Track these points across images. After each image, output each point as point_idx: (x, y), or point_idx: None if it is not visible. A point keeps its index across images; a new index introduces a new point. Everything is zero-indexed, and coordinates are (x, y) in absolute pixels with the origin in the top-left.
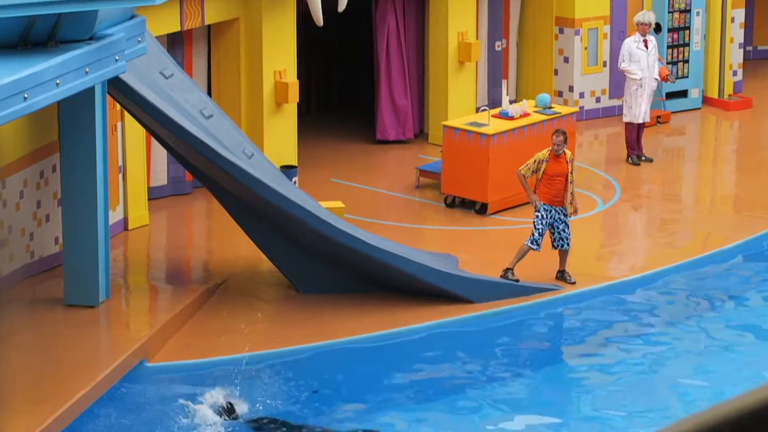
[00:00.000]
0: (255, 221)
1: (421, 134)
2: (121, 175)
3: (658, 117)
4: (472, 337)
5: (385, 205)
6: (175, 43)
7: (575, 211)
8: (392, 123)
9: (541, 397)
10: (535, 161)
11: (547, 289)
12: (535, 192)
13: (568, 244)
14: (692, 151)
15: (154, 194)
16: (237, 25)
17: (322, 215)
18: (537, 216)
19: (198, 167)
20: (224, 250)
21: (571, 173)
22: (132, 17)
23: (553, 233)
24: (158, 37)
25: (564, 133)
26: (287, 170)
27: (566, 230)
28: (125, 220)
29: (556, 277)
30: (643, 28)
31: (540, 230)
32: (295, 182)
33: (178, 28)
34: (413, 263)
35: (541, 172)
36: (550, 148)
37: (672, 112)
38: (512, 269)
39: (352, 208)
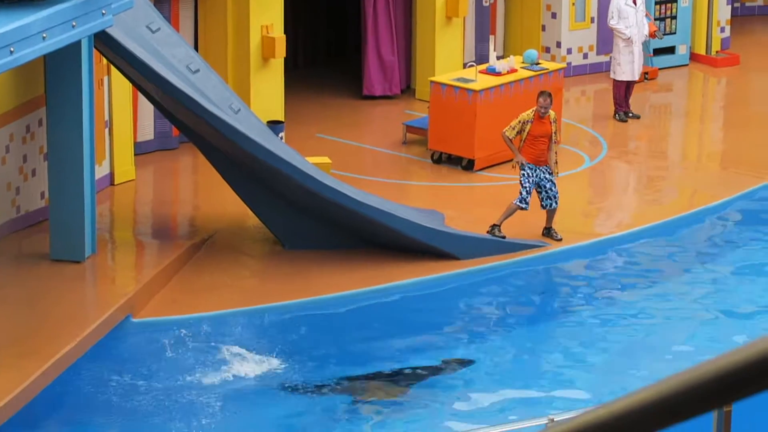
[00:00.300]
0: (241, 177)
1: (408, 90)
2: (107, 130)
3: (646, 73)
4: (457, 293)
5: (371, 161)
6: None
7: (557, 171)
8: (379, 78)
9: (525, 354)
10: (519, 122)
11: (533, 245)
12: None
13: (556, 203)
14: (679, 108)
15: (141, 149)
16: None
17: (309, 171)
18: (523, 175)
19: (184, 122)
20: (210, 206)
21: (555, 133)
22: None
23: (540, 192)
24: None
25: (550, 95)
26: (274, 125)
27: (553, 188)
28: (111, 174)
29: (543, 234)
30: None
31: (527, 189)
32: (281, 137)
33: None
34: (399, 219)
35: (525, 133)
36: (534, 108)
37: (659, 69)
38: (499, 226)
39: (339, 163)
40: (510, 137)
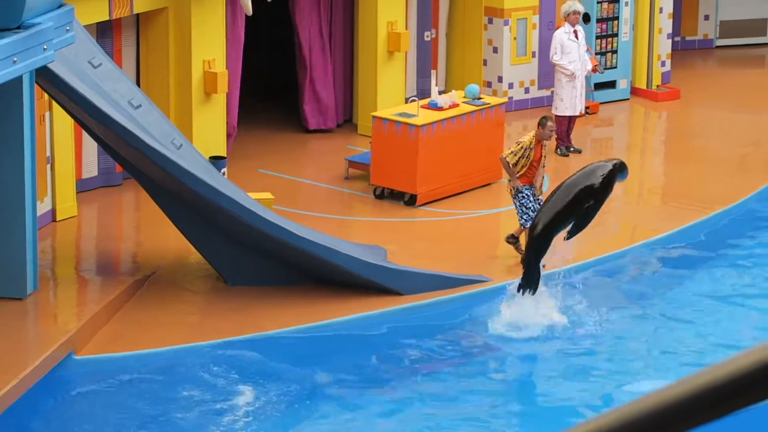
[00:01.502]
0: (184, 212)
1: (350, 124)
2: (49, 166)
3: (587, 108)
4: (399, 328)
5: (313, 196)
6: (104, 32)
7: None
8: (313, 112)
9: (471, 388)
10: (521, 148)
11: (475, 280)
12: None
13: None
14: (620, 142)
15: (85, 186)
16: (166, 14)
17: (251, 206)
18: (524, 197)
19: (127, 158)
20: (153, 242)
21: (544, 157)
22: (60, 6)
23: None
24: (87, 26)
25: (551, 120)
26: (216, 161)
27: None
28: (53, 211)
29: (507, 239)
30: (573, 18)
31: (532, 208)
32: (224, 173)
33: (106, 17)
34: (342, 255)
35: (527, 159)
36: (533, 133)
37: (600, 103)
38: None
39: (281, 199)
40: (511, 163)
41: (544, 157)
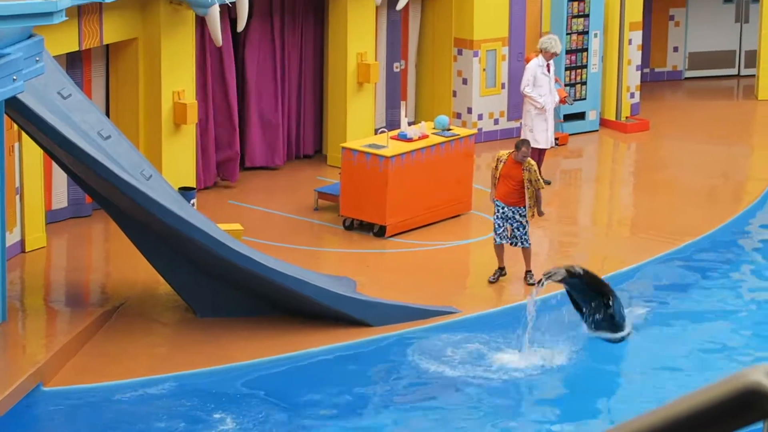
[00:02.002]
0: (153, 243)
1: (319, 155)
2: (18, 197)
3: (556, 139)
4: (369, 359)
5: (283, 228)
6: (74, 62)
7: (535, 215)
8: (262, 147)
9: (443, 418)
10: (495, 158)
11: (444, 312)
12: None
13: (522, 243)
14: (590, 174)
15: (55, 216)
16: (136, 45)
17: (221, 238)
18: (496, 208)
19: (96, 189)
20: (122, 273)
21: (529, 181)
22: (30, 36)
23: (511, 231)
24: (56, 57)
25: (528, 144)
26: (186, 192)
27: (520, 229)
28: (22, 242)
29: (524, 278)
30: (549, 55)
31: (497, 224)
32: (193, 204)
33: (76, 48)
34: (311, 286)
35: (498, 172)
36: (512, 151)
37: (570, 134)
38: (530, 271)
39: (251, 230)
40: (493, 175)
41: (528, 180)
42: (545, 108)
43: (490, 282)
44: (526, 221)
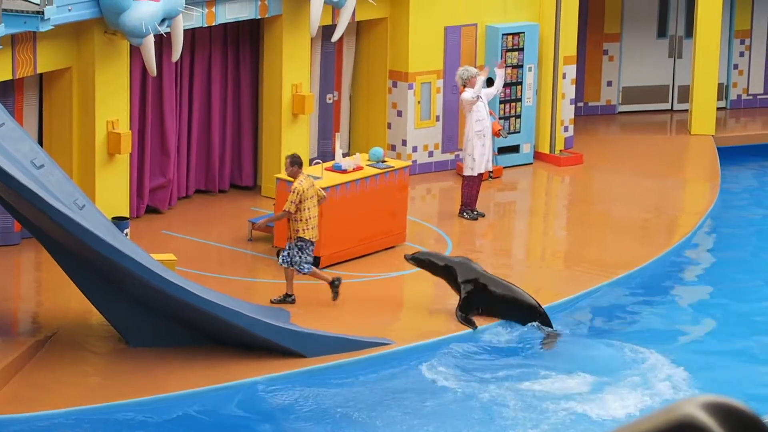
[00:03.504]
0: (86, 273)
1: (255, 186)
2: None
3: (490, 172)
4: (302, 391)
5: (217, 258)
6: (6, 91)
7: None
8: (198, 176)
9: None
10: (296, 193)
11: (378, 343)
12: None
13: (293, 266)
14: (524, 206)
15: None
16: (69, 74)
17: (154, 268)
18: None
19: (29, 218)
20: (54, 302)
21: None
22: None
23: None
24: None
25: (298, 163)
26: (119, 222)
27: (292, 249)
28: None
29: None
30: (473, 82)
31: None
32: (126, 234)
33: (10, 76)
34: (245, 316)
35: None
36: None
37: (504, 167)
38: (289, 294)
39: (184, 260)
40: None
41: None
42: (484, 132)
43: (272, 302)
44: (297, 244)
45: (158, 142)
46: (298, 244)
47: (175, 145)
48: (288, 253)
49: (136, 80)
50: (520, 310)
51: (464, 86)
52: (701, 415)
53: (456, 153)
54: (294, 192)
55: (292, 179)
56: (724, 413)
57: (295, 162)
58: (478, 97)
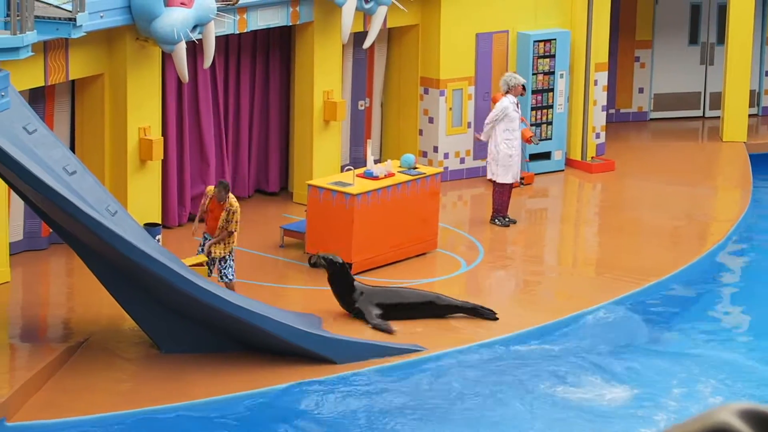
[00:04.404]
0: (118, 279)
1: (285, 192)
2: None
3: (522, 179)
4: (334, 397)
5: (248, 264)
6: (38, 97)
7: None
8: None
9: None
10: (237, 212)
11: (409, 350)
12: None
13: (222, 278)
14: (555, 213)
15: (10, 250)
16: (101, 81)
17: (185, 274)
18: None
19: (61, 224)
20: (86, 308)
21: (224, 220)
22: None
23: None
24: (21, 92)
25: (225, 189)
26: (151, 228)
27: (222, 263)
28: None
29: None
30: (518, 90)
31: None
32: (158, 240)
33: (42, 83)
34: (276, 323)
35: (205, 207)
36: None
37: (535, 174)
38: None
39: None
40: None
41: (223, 220)
42: (517, 141)
43: None
44: (226, 256)
45: (197, 150)
46: (231, 255)
47: (215, 153)
48: (227, 270)
49: (172, 87)
50: (426, 308)
51: (507, 92)
52: (736, 422)
53: (487, 160)
54: (236, 212)
55: (221, 202)
56: (760, 420)
57: (224, 188)
58: (516, 108)
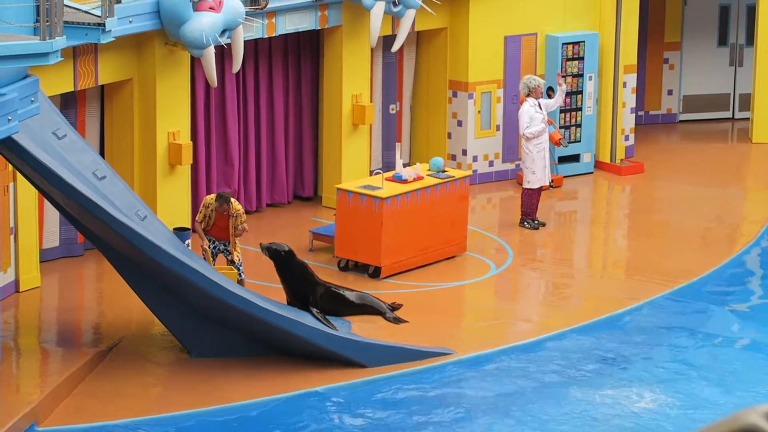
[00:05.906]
0: (147, 284)
1: (314, 196)
2: (12, 237)
3: (551, 181)
4: (365, 401)
5: None
6: (68, 102)
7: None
8: (265, 187)
9: None
10: (204, 206)
11: (439, 353)
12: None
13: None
14: (584, 215)
15: (46, 256)
16: (131, 86)
17: (215, 278)
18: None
19: (91, 229)
20: (116, 313)
21: (234, 227)
22: (25, 77)
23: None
24: (51, 97)
25: (226, 200)
26: (180, 232)
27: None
28: (16, 282)
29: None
30: (538, 92)
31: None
32: (188, 245)
33: (71, 88)
34: (306, 327)
35: (212, 220)
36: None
37: (564, 177)
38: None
39: (246, 271)
40: (198, 219)
41: (234, 227)
42: (543, 145)
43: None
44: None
45: (222, 153)
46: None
47: (239, 156)
48: (241, 269)
49: (200, 91)
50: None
51: (527, 95)
52: (765, 424)
53: (516, 162)
54: (242, 214)
55: (226, 211)
56: None
57: (225, 200)
58: (538, 109)
